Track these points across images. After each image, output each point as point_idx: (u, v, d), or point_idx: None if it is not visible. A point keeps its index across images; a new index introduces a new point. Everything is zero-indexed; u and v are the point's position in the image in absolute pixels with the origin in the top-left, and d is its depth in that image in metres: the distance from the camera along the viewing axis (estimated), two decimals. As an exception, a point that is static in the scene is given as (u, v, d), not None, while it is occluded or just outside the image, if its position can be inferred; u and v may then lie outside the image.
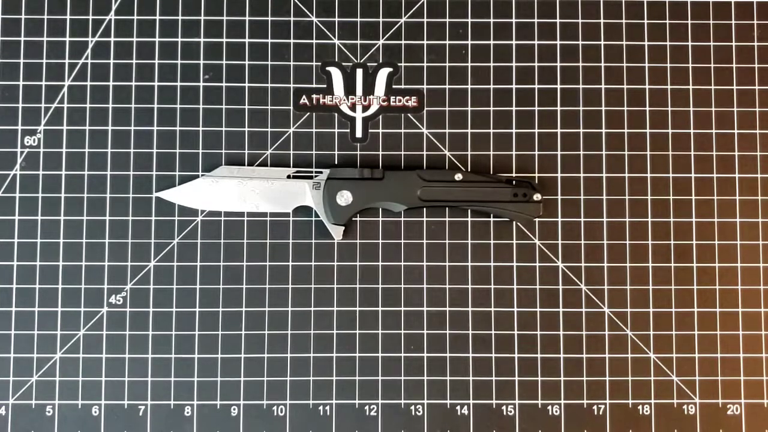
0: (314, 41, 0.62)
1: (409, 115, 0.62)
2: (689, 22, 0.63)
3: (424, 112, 0.62)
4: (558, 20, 0.63)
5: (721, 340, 0.61)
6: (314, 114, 0.62)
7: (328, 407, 0.60)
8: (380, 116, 0.62)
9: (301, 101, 0.62)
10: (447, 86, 0.62)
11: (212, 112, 0.62)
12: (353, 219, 0.61)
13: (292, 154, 0.62)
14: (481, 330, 0.61)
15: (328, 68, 0.62)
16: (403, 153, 0.62)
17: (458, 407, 0.60)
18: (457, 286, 0.61)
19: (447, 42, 0.63)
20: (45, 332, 0.60)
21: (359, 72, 0.62)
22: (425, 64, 0.62)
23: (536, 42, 0.63)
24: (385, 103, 0.62)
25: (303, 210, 0.61)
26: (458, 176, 0.60)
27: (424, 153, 0.62)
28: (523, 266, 0.61)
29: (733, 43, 0.63)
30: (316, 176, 0.61)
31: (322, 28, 0.63)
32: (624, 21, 0.63)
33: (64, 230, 0.61)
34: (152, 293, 0.60)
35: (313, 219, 0.61)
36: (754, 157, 0.62)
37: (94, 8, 0.62)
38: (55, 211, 0.61)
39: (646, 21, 0.63)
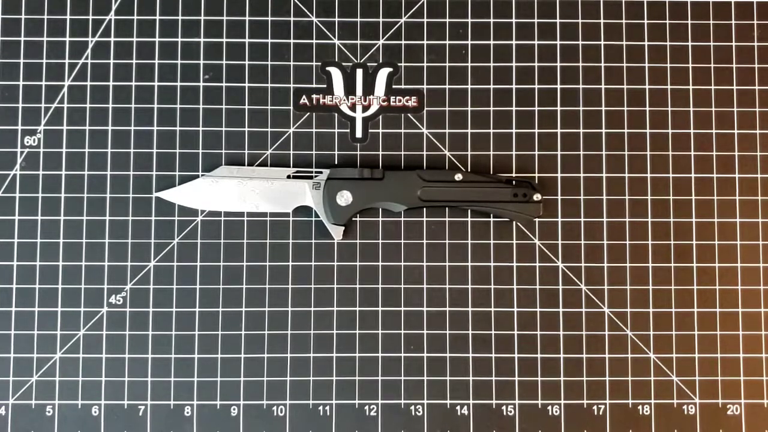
0: (314, 41, 0.62)
1: (409, 115, 0.62)
2: (689, 22, 0.63)
3: (424, 112, 0.62)
4: (558, 20, 0.63)
5: (721, 340, 0.61)
6: (314, 114, 0.62)
7: (328, 407, 0.60)
8: (380, 116, 0.62)
9: (301, 101, 0.62)
10: (447, 86, 0.62)
11: (212, 112, 0.62)
12: (353, 219, 0.61)
13: (292, 154, 0.62)
14: (481, 330, 0.61)
15: (328, 68, 0.62)
16: (403, 153, 0.62)
17: (458, 407, 0.60)
18: (457, 286, 0.61)
19: (447, 42, 0.63)
20: (45, 332, 0.60)
21: (359, 72, 0.62)
22: (425, 64, 0.62)
23: (536, 42, 0.63)
24: (385, 103, 0.62)
25: (303, 210, 0.61)
26: (458, 176, 0.60)
27: (424, 153, 0.62)
28: (523, 266, 0.61)
29: (733, 43, 0.63)
30: (316, 176, 0.61)
31: (322, 28, 0.63)
32: (624, 21, 0.63)
33: (64, 230, 0.61)
34: (152, 293, 0.60)
35: (313, 219, 0.61)
36: (754, 157, 0.62)
37: (94, 8, 0.62)
38: (55, 211, 0.61)
39: (646, 21, 0.63)
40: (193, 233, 0.61)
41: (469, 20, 0.63)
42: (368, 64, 0.62)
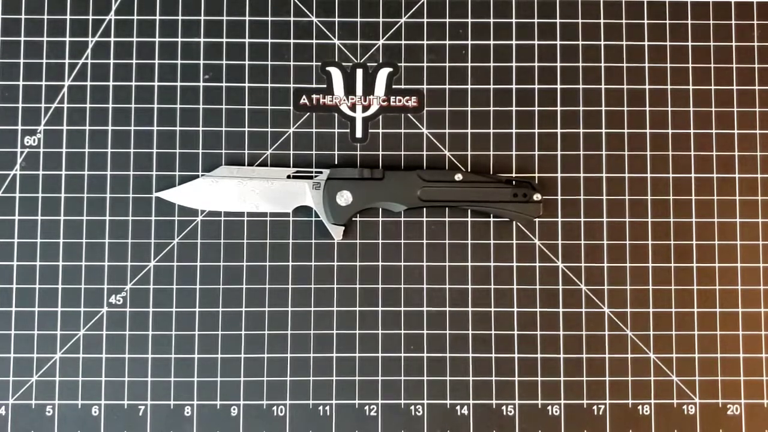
0: (314, 41, 0.62)
1: (409, 115, 0.62)
2: (689, 22, 0.63)
3: (424, 112, 0.62)
4: (558, 20, 0.63)
5: (721, 340, 0.61)
6: (314, 114, 0.62)
7: (328, 407, 0.60)
8: (380, 116, 0.62)
9: (301, 101, 0.62)
10: (447, 86, 0.62)
11: (212, 112, 0.62)
12: (353, 219, 0.61)
13: (292, 154, 0.62)
14: (481, 330, 0.61)
15: (328, 68, 0.62)
16: (403, 153, 0.62)
17: (458, 407, 0.60)
18: (457, 286, 0.61)
19: (447, 42, 0.63)
20: (45, 332, 0.60)
21: (359, 72, 0.62)
22: (425, 64, 0.62)
23: (536, 42, 0.63)
24: (385, 103, 0.62)
25: (303, 210, 0.61)
26: (458, 176, 0.60)
27: (424, 153, 0.62)
28: (523, 266, 0.61)
29: (733, 43, 0.63)
30: (316, 176, 0.61)
31: (322, 28, 0.63)
32: (624, 21, 0.63)
33: (64, 230, 0.61)
34: (152, 293, 0.60)
35: (313, 219, 0.61)
36: (754, 157, 0.62)
37: (94, 8, 0.62)
38: (55, 211, 0.61)
39: (646, 21, 0.63)
40: (193, 233, 0.61)
41: (469, 20, 0.63)
42: (368, 64, 0.62)
